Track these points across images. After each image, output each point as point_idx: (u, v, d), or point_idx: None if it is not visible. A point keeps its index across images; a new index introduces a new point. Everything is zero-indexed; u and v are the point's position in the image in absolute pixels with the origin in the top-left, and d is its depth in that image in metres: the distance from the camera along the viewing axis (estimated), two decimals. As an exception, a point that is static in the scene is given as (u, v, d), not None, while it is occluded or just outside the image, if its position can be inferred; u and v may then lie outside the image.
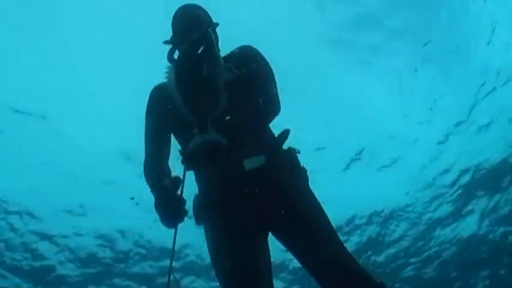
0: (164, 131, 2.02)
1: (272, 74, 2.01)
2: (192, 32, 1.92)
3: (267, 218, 1.85)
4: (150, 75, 2.19)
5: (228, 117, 1.73)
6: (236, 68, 1.85)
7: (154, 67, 2.15)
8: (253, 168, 1.85)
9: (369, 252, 9.84)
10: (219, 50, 2.10)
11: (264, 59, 2.02)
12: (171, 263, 1.78)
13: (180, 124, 1.84)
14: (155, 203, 1.73)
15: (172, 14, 2.12)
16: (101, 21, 8.84)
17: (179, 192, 1.70)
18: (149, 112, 2.08)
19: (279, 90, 1.99)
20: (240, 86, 1.82)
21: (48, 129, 8.71)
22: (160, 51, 2.13)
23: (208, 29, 1.78)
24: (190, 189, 1.86)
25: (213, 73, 1.72)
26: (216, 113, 1.71)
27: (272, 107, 1.92)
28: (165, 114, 1.97)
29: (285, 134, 1.94)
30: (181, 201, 1.70)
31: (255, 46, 2.08)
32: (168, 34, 2.13)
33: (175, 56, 2.10)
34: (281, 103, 1.95)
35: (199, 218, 1.93)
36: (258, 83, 1.92)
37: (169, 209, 1.68)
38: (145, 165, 1.95)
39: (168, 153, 2.03)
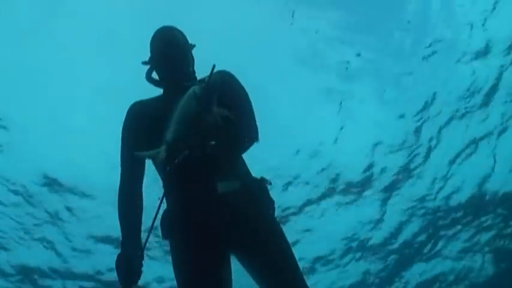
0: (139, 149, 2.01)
1: (251, 104, 2.01)
2: (169, 52, 2.05)
3: (229, 240, 1.90)
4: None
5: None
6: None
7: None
8: (226, 192, 1.89)
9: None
10: (194, 72, 2.22)
11: (243, 89, 2.01)
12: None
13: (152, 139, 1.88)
14: (116, 263, 1.89)
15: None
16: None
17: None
18: (126, 129, 2.11)
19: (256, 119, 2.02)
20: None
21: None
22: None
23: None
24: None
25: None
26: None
27: (253, 141, 1.97)
28: (141, 131, 2.02)
29: (264, 181, 2.01)
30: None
31: (231, 72, 2.04)
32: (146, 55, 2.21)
33: (153, 76, 2.21)
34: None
35: (165, 233, 1.97)
36: (241, 118, 1.93)
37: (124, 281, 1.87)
38: (119, 189, 2.03)
39: (142, 174, 2.09)
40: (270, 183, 2.01)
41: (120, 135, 2.11)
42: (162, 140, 1.78)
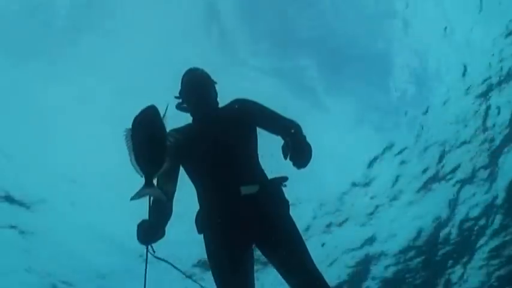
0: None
1: (266, 107, 2.55)
2: (197, 92, 2.57)
3: (253, 235, 2.35)
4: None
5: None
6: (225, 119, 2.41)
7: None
8: (248, 194, 2.35)
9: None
10: (218, 103, 2.74)
11: (258, 103, 2.56)
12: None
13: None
14: (138, 226, 2.22)
15: None
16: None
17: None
18: None
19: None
20: (228, 132, 2.39)
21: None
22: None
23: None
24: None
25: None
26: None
27: (290, 123, 2.44)
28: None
29: (282, 179, 2.47)
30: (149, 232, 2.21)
31: (247, 98, 2.63)
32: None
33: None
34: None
35: (199, 229, 2.44)
36: (262, 120, 2.49)
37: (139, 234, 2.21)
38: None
39: (173, 188, 2.48)
40: (286, 181, 2.46)
41: None
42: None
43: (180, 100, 2.71)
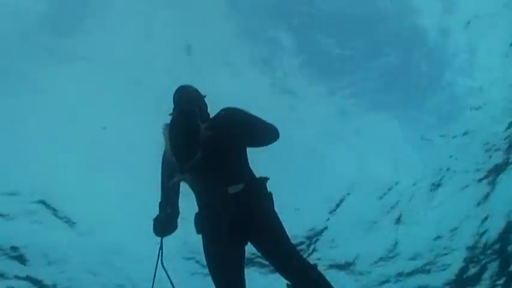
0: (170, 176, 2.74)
1: (249, 114, 2.73)
2: (184, 105, 2.77)
3: (243, 231, 2.57)
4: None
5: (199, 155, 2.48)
6: (214, 127, 2.62)
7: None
8: (235, 192, 2.59)
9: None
10: (208, 114, 2.96)
11: (240, 110, 2.76)
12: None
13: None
14: (153, 221, 2.62)
15: None
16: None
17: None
18: (162, 165, 2.83)
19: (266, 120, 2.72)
20: (216, 140, 2.59)
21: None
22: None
23: (193, 107, 2.61)
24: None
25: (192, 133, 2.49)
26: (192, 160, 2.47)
27: (267, 132, 2.71)
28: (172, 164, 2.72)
29: (263, 179, 2.74)
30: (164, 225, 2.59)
31: (234, 106, 2.83)
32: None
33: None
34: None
35: (197, 230, 2.72)
36: (240, 127, 2.68)
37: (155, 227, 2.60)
38: (161, 199, 2.77)
39: (177, 194, 2.78)
40: (268, 179, 2.73)
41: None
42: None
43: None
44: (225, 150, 2.67)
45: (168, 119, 2.94)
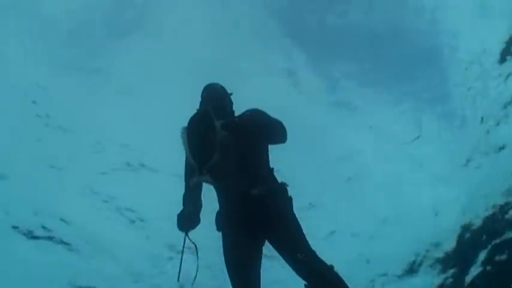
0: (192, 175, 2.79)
1: (266, 113, 2.80)
2: (211, 102, 2.84)
3: (262, 231, 2.64)
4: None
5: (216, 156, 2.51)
6: (231, 128, 2.62)
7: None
8: (257, 194, 2.64)
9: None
10: (233, 112, 3.02)
11: (261, 111, 2.83)
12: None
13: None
14: (177, 217, 2.62)
15: None
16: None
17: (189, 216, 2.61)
18: (186, 160, 2.91)
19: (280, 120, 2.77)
20: (233, 141, 2.61)
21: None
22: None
23: (209, 107, 2.61)
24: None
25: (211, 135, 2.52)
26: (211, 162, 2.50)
27: (273, 128, 2.74)
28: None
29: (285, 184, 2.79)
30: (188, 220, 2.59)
31: (258, 108, 2.89)
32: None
33: None
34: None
35: (217, 227, 2.79)
36: (256, 126, 2.71)
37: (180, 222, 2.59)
38: (184, 191, 2.82)
39: (199, 189, 2.83)
40: (288, 185, 2.78)
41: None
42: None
43: None
44: (243, 151, 2.71)
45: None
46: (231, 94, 3.06)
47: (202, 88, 3.03)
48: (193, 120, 2.54)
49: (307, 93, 10.41)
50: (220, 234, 2.79)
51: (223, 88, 3.04)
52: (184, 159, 2.88)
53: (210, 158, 2.47)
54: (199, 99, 3.02)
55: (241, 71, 9.62)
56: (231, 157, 2.64)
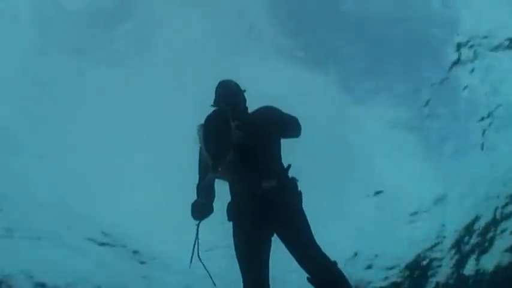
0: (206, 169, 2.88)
1: (280, 110, 2.92)
2: (225, 99, 2.94)
3: (271, 222, 2.75)
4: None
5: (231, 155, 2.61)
6: (246, 127, 2.73)
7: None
8: (268, 187, 2.75)
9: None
10: (246, 108, 3.12)
11: (275, 108, 2.95)
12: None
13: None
14: (191, 206, 2.65)
15: None
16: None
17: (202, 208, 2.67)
18: (199, 154, 3.00)
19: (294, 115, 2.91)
20: (248, 140, 2.71)
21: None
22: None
23: (226, 106, 2.74)
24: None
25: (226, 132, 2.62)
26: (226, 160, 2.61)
27: (287, 122, 2.89)
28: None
29: (295, 179, 2.90)
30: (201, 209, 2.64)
31: (273, 105, 3.01)
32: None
33: None
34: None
35: (228, 217, 2.91)
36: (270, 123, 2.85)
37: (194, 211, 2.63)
38: (198, 183, 2.94)
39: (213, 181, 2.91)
40: (298, 180, 2.89)
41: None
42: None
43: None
44: (257, 149, 2.82)
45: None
46: (245, 91, 3.15)
47: (216, 84, 3.13)
48: (210, 119, 2.65)
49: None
50: (231, 224, 2.90)
51: (237, 85, 3.14)
52: (198, 152, 2.99)
53: (224, 157, 2.58)
54: (214, 95, 3.12)
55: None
56: (245, 156, 2.75)
